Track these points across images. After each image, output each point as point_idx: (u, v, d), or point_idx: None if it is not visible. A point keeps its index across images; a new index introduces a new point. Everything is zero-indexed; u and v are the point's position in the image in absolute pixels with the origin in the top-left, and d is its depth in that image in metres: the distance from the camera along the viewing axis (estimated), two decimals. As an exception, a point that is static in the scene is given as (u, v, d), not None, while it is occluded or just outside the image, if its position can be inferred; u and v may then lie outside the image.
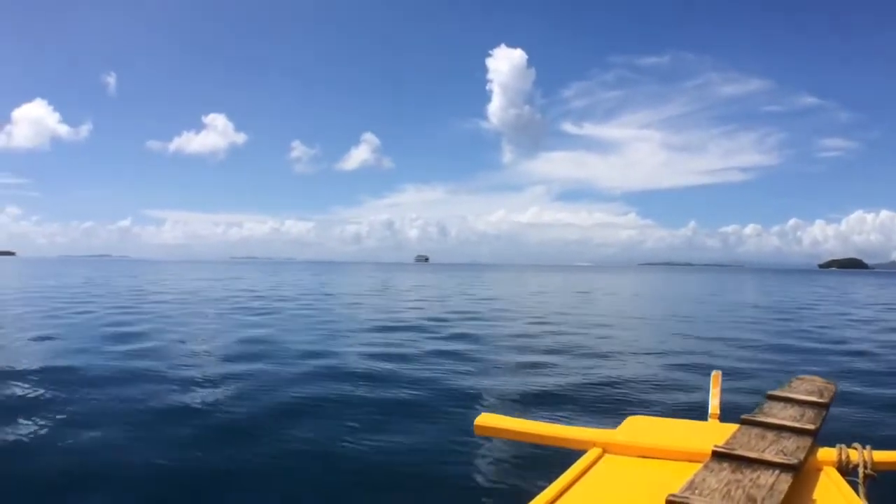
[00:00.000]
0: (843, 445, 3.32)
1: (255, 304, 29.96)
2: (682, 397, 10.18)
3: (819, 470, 3.19)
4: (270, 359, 13.39)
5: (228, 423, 8.31)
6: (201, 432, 7.86)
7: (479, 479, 6.36)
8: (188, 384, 10.54)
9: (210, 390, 10.17)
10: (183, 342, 15.71)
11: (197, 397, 9.67)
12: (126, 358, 13.07)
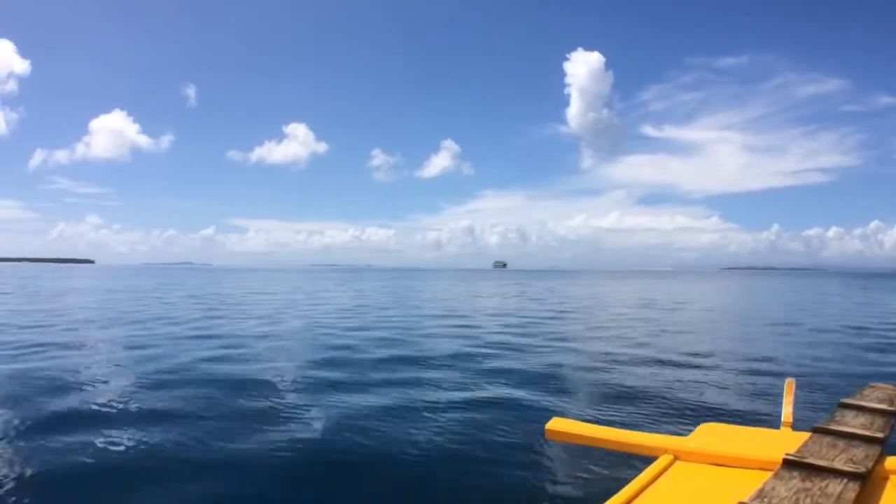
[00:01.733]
0: None
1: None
2: (757, 406, 10.11)
3: (886, 479, 3.19)
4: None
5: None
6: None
7: (549, 484, 6.44)
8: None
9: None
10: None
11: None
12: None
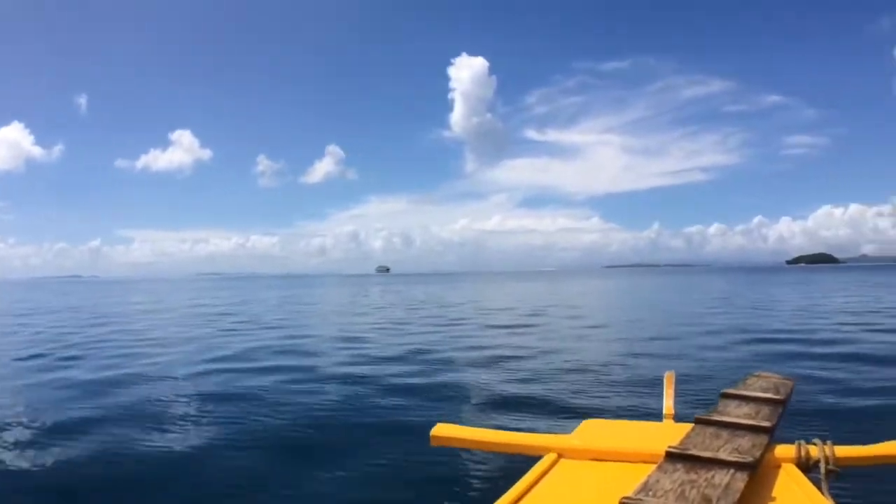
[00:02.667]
0: (803, 441, 3.33)
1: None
2: (638, 400, 10.25)
3: (778, 467, 3.20)
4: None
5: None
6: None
7: (436, 489, 6.37)
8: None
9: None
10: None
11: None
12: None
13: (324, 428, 8.96)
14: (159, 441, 8.30)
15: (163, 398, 11.07)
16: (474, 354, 16.16)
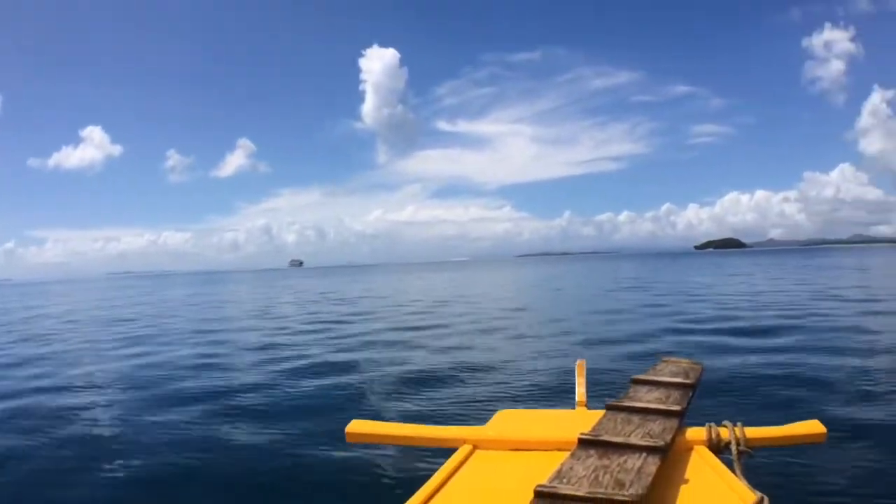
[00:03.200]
0: (713, 424, 3.38)
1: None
2: (552, 388, 10.34)
3: (690, 450, 3.26)
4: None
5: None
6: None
7: (352, 486, 6.36)
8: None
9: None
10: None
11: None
12: None
13: (232, 429, 8.78)
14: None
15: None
16: (387, 349, 16.12)
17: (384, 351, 15.82)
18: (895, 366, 11.53)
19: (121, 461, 7.43)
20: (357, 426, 3.84)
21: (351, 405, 9.93)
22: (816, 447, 3.80)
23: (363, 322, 24.04)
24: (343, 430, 3.82)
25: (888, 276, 48.17)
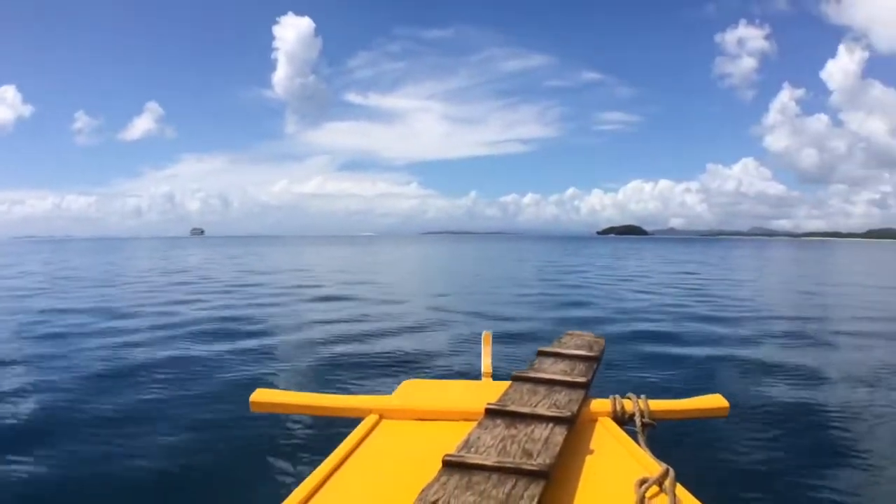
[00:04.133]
0: (618, 396, 3.43)
1: None
2: (458, 360, 10.46)
3: (595, 421, 3.29)
4: None
5: None
6: None
7: (258, 456, 6.23)
8: None
9: None
10: None
11: None
12: None
13: (134, 395, 8.49)
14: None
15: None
16: (291, 321, 15.96)
17: (288, 320, 15.72)
18: (791, 346, 12.19)
19: None
20: (261, 395, 3.76)
21: (252, 374, 9.74)
22: (719, 421, 3.91)
23: (264, 291, 23.77)
24: (247, 398, 3.75)
25: (791, 263, 50.51)
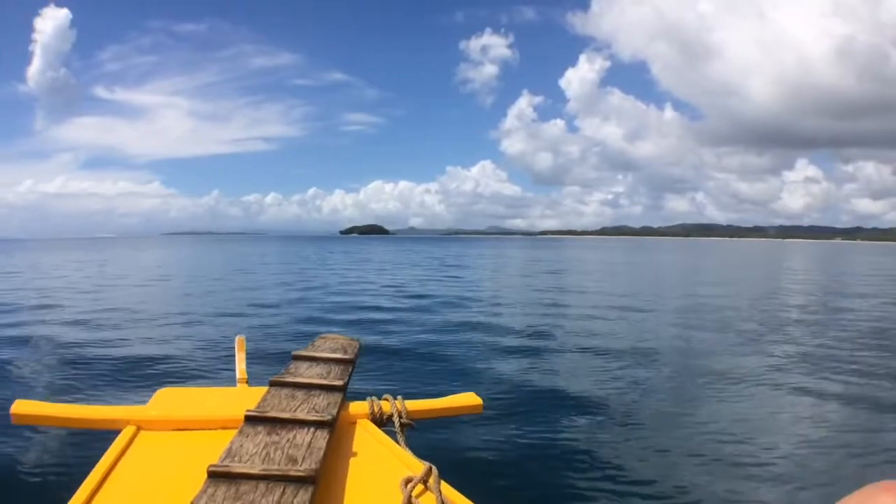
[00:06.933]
0: (375, 397, 3.48)
1: None
2: (210, 367, 10.25)
3: (354, 423, 3.33)
4: None
5: None
6: None
7: (18, 474, 5.77)
8: None
9: None
10: None
11: None
12: None
13: None
14: None
15: None
16: (45, 327, 14.90)
17: (31, 329, 14.59)
18: (539, 342, 12.85)
19: None
20: (22, 406, 3.50)
21: (15, 384, 9.15)
22: (474, 417, 4.05)
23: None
24: (7, 410, 3.51)
25: (533, 261, 52.80)
